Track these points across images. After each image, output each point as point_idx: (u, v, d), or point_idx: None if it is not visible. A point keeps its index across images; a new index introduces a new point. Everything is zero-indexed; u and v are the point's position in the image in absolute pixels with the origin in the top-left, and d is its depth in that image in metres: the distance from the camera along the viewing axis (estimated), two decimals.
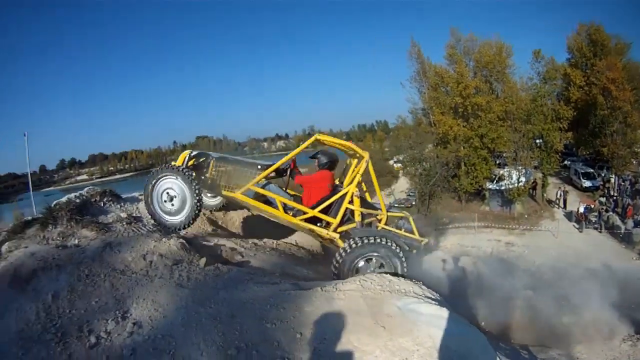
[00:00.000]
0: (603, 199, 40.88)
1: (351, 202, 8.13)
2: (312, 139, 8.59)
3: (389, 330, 5.27)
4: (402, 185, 55.63)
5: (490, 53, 44.99)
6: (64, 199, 8.83)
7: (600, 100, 44.08)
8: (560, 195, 44.08)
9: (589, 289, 10.92)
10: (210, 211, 10.35)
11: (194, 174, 8.15)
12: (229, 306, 5.74)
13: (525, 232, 40.02)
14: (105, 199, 9.35)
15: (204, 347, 4.91)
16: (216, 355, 4.83)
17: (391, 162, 67.70)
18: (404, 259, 7.70)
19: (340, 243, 7.91)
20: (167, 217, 8.17)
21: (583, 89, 46.50)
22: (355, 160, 8.86)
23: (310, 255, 9.91)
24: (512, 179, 43.70)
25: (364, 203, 8.66)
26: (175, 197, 8.07)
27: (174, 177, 8.03)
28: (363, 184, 8.88)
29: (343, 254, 7.60)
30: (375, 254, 7.67)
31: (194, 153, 8.82)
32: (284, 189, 8.80)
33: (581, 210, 37.94)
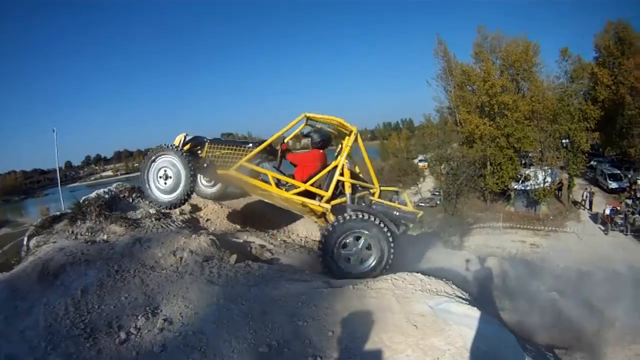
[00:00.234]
0: (629, 201, 40.10)
1: (342, 175, 8.14)
2: (301, 116, 8.48)
3: (420, 329, 5.20)
4: (428, 184, 55.35)
5: (517, 51, 44.75)
6: (92, 195, 8.86)
7: (628, 100, 43.73)
8: (586, 196, 43.67)
9: (614, 292, 10.78)
10: (225, 206, 10.34)
11: (188, 153, 8.14)
12: (260, 303, 5.70)
13: (550, 233, 39.76)
14: (133, 195, 9.39)
15: (235, 344, 4.85)
16: (247, 352, 4.77)
17: (416, 160, 67.43)
18: (392, 244, 7.61)
19: (332, 217, 7.93)
20: (160, 195, 8.17)
21: (610, 89, 45.95)
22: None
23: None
24: (537, 179, 43.29)
25: (356, 177, 8.71)
26: (170, 176, 8.09)
27: (171, 156, 8.05)
28: (369, 163, 8.99)
29: (333, 225, 7.60)
30: (366, 232, 7.59)
31: (190, 137, 8.75)
32: (277, 168, 8.78)
33: (607, 212, 37.44)
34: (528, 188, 44.35)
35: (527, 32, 48.70)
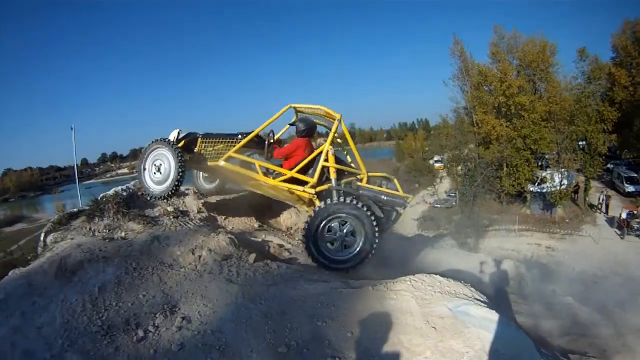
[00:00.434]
0: None
1: (327, 160, 8.21)
2: (286, 107, 8.71)
3: (439, 332, 5.16)
4: (444, 186, 55.14)
5: (534, 51, 44.32)
6: (110, 192, 8.90)
7: None
8: (603, 199, 43.20)
9: (629, 298, 10.70)
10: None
11: (180, 148, 8.38)
12: (279, 303, 5.67)
13: (565, 236, 39.50)
14: None
15: (254, 343, 4.83)
16: (266, 352, 4.74)
17: (431, 161, 67.22)
18: (376, 229, 7.56)
19: (318, 203, 7.94)
20: (153, 185, 8.53)
21: (628, 90, 45.49)
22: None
23: None
24: (554, 182, 42.97)
25: (343, 163, 8.75)
26: (162, 167, 8.41)
27: (164, 150, 8.37)
28: (355, 149, 9.13)
29: (315, 210, 7.71)
30: (349, 216, 7.58)
31: (184, 133, 9.01)
32: (267, 159, 8.88)
33: (623, 216, 37.06)
34: (544, 190, 44.05)
35: (543, 32, 48.19)
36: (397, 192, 8.46)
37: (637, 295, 10.87)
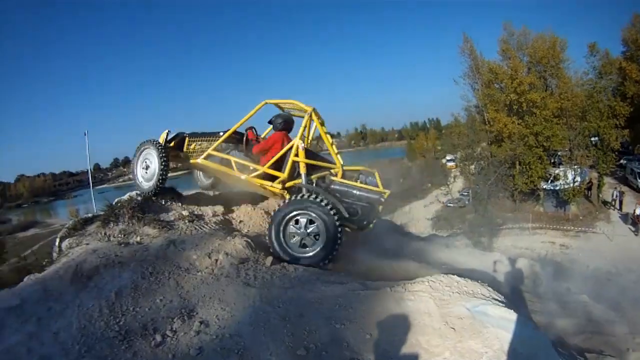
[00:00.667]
0: None
1: (297, 155, 8.26)
2: (261, 104, 8.92)
3: (458, 332, 5.14)
4: (457, 185, 55.04)
5: (544, 47, 44.37)
6: (125, 197, 8.96)
7: None
8: (616, 196, 43.07)
9: None
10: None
11: (164, 148, 8.84)
12: (297, 306, 5.65)
13: (579, 234, 39.46)
14: (166, 197, 9.42)
15: (272, 347, 4.81)
16: (285, 355, 4.72)
17: (443, 160, 67.12)
18: (339, 229, 7.44)
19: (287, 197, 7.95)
20: (142, 182, 9.11)
21: (639, 84, 45.01)
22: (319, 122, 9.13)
23: (372, 256, 9.69)
24: (567, 179, 42.80)
25: (315, 157, 8.69)
26: (150, 166, 8.97)
27: (151, 149, 8.88)
28: (329, 143, 9.23)
29: (282, 203, 7.67)
30: (313, 214, 7.47)
31: (173, 134, 9.45)
32: (247, 155, 9.30)
33: (637, 212, 36.89)
34: (557, 188, 43.91)
35: (553, 28, 48.29)
36: (371, 187, 8.37)
37: None
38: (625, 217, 39.80)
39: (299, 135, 8.42)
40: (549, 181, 44.98)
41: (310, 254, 7.48)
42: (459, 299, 5.77)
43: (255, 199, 10.28)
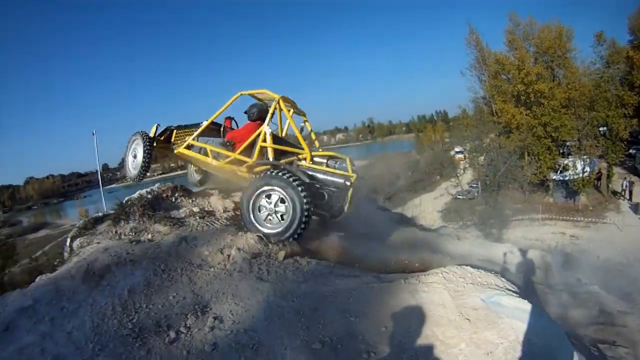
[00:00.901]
0: None
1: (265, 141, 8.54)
2: (236, 95, 9.21)
3: (473, 323, 5.10)
4: (467, 177, 54.94)
5: (550, 37, 44.13)
6: (135, 195, 8.99)
7: None
8: (626, 186, 42.89)
9: None
10: None
11: (149, 139, 9.62)
12: (311, 299, 5.63)
13: (589, 224, 39.34)
14: (176, 194, 9.51)
15: (287, 341, 4.78)
16: (300, 349, 4.69)
17: (452, 152, 67.01)
18: (306, 207, 7.50)
19: None
20: (130, 169, 9.96)
21: None
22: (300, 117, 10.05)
23: (384, 248, 9.67)
24: (576, 169, 42.65)
25: (283, 143, 9.00)
26: (137, 155, 9.72)
27: (139, 140, 9.66)
28: (296, 129, 9.43)
29: (250, 183, 8.01)
30: (282, 192, 7.64)
31: (162, 128, 10.13)
32: (224, 144, 9.38)
33: None
34: (567, 178, 43.77)
35: (559, 18, 47.82)
36: (337, 171, 8.49)
37: None
38: (635, 207, 39.68)
39: (266, 121, 8.65)
40: (558, 172, 44.85)
41: (274, 230, 7.64)
42: (473, 289, 5.74)
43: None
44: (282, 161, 8.45)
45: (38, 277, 6.31)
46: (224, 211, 8.95)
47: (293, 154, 8.82)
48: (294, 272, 6.46)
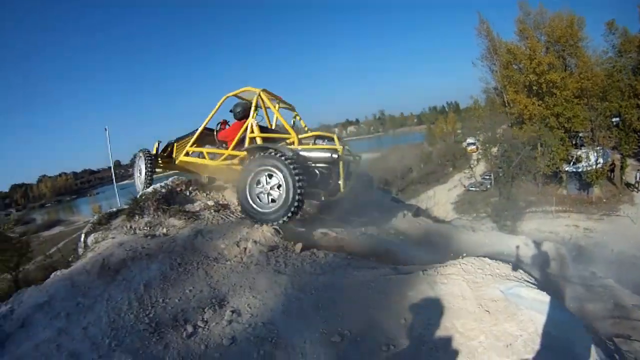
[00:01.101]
0: None
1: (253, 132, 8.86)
2: (224, 98, 9.60)
3: (493, 315, 5.05)
4: (480, 168, 54.77)
5: (561, 26, 43.84)
6: (149, 189, 9.02)
7: None
8: (639, 178, 42.46)
9: None
10: None
11: (150, 157, 10.29)
12: (329, 292, 5.59)
13: (603, 217, 39.18)
14: (190, 188, 9.57)
15: (306, 334, 4.75)
16: (320, 342, 4.65)
17: (464, 144, 66.87)
18: (298, 179, 7.47)
19: None
20: (139, 185, 10.39)
21: None
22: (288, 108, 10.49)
23: (400, 240, 9.69)
24: (590, 161, 42.36)
25: (269, 131, 9.48)
26: (142, 170, 10.35)
27: (142, 158, 10.39)
28: (280, 115, 9.60)
29: (242, 170, 8.18)
30: (272, 169, 7.69)
31: (164, 144, 10.94)
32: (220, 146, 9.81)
33: None
34: (580, 170, 43.50)
35: (569, 6, 47.60)
36: (321, 146, 8.57)
37: None
38: None
39: (252, 114, 8.97)
40: (571, 163, 44.58)
41: (268, 210, 7.68)
42: (492, 281, 5.70)
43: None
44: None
45: (53, 273, 6.31)
46: (239, 204, 8.95)
47: (282, 139, 8.92)
48: (311, 264, 6.43)
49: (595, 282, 10.10)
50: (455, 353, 4.64)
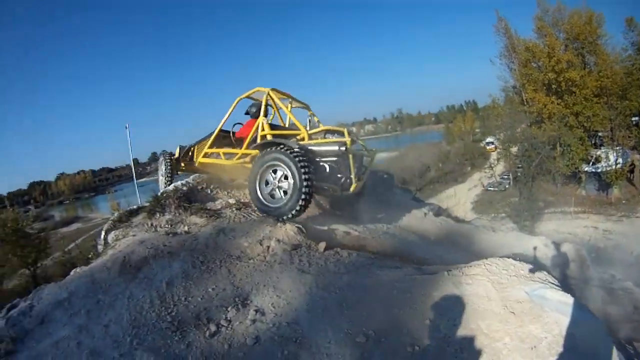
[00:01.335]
0: None
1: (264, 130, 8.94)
2: (236, 101, 9.71)
3: (518, 317, 4.98)
4: (499, 168, 54.55)
5: (580, 23, 43.38)
6: (170, 187, 9.20)
7: None
8: None
9: None
10: None
11: (170, 160, 10.87)
12: (354, 291, 5.54)
13: (622, 219, 38.83)
14: (211, 186, 9.72)
15: (331, 334, 4.70)
16: (344, 342, 4.61)
17: (482, 143, 66.69)
18: (306, 172, 7.37)
19: None
20: (162, 185, 10.58)
21: None
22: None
23: (422, 240, 9.65)
24: (609, 161, 42.01)
25: (280, 129, 9.55)
26: (163, 172, 10.83)
27: (163, 160, 10.96)
28: (289, 113, 9.88)
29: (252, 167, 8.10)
30: (279, 163, 7.64)
31: (185, 148, 11.10)
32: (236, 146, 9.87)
33: None
34: (599, 170, 43.16)
35: (588, 3, 47.22)
36: (329, 140, 8.51)
37: None
38: None
39: (262, 112, 9.19)
40: (591, 163, 44.23)
41: (276, 205, 7.61)
42: (516, 282, 5.62)
43: None
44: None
45: (73, 270, 6.35)
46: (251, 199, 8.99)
47: (292, 136, 8.86)
48: (335, 263, 6.38)
49: (615, 284, 10.02)
50: (480, 355, 4.59)
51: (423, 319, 5.02)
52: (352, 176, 8.24)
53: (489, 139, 64.02)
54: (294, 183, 7.39)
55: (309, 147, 8.20)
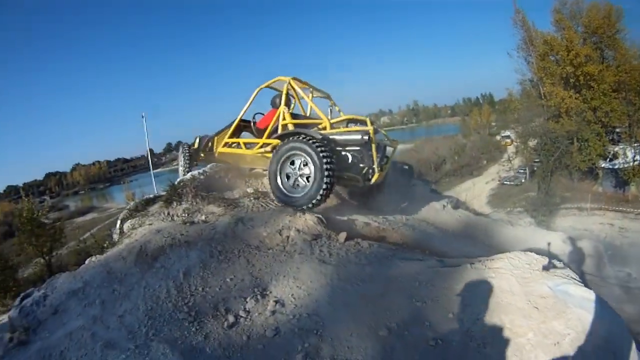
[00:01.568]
0: None
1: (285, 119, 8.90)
2: (256, 91, 9.71)
3: (542, 312, 4.88)
4: (516, 162, 54.35)
5: (599, 17, 43.01)
6: (187, 176, 9.20)
7: None
8: None
9: None
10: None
11: (188, 150, 11.04)
12: (376, 283, 5.45)
13: (639, 216, 38.37)
14: (229, 175, 9.70)
15: (353, 327, 4.60)
16: (367, 335, 4.51)
17: (498, 137, 66.48)
18: (327, 161, 7.39)
19: None
20: (181, 170, 10.74)
21: None
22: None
23: (441, 232, 9.59)
24: (627, 157, 41.65)
25: (301, 118, 9.58)
26: (181, 162, 10.95)
27: (182, 150, 11.09)
28: (311, 102, 9.70)
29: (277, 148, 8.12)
30: (300, 153, 7.67)
31: (204, 139, 11.11)
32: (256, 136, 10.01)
33: None
34: (616, 167, 42.81)
35: None
36: (351, 129, 8.55)
37: None
38: None
39: (282, 102, 9.03)
40: (608, 159, 43.88)
41: (297, 195, 7.66)
42: (540, 277, 5.52)
43: None
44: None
45: (88, 259, 6.31)
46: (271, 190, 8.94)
47: (314, 125, 8.84)
48: (356, 254, 6.28)
49: (632, 283, 9.95)
50: (503, 350, 4.50)
51: (446, 312, 4.93)
52: (375, 166, 8.13)
53: (505, 133, 63.77)
54: (315, 173, 7.34)
55: (331, 137, 8.13)
